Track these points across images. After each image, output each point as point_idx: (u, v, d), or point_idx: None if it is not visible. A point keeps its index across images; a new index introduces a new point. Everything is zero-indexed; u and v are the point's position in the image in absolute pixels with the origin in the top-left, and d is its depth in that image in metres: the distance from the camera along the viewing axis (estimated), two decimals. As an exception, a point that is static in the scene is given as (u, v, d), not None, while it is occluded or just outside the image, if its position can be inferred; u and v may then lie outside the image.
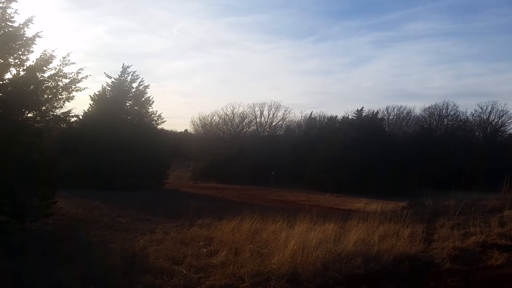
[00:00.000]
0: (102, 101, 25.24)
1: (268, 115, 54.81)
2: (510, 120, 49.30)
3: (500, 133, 50.41)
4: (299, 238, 7.62)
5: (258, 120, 55.28)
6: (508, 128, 49.97)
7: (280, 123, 55.53)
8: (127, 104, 26.08)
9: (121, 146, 22.69)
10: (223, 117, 55.42)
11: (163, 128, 37.74)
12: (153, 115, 26.95)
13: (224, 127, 55.60)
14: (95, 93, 25.47)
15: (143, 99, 26.28)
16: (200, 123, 58.54)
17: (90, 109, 25.49)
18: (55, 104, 10.07)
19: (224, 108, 55.89)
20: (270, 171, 39.70)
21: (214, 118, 56.60)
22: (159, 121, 27.45)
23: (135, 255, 7.27)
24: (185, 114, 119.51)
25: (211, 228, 9.55)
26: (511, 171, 15.24)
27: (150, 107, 26.70)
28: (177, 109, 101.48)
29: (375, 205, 18.11)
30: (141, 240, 8.53)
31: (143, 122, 26.34)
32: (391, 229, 8.93)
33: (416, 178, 34.99)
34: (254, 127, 55.71)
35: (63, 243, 7.84)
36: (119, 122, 24.84)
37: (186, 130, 69.43)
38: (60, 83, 10.02)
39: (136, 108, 26.30)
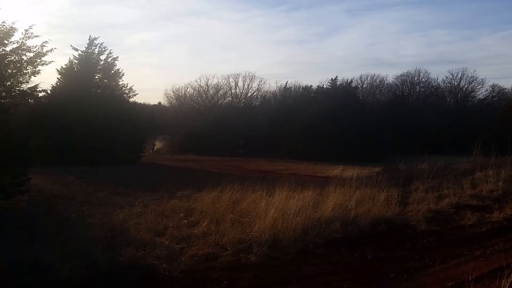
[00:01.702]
0: (70, 75, 24.38)
1: (243, 86, 54.34)
2: (480, 86, 50.66)
3: (470, 99, 51.72)
4: (279, 206, 7.72)
5: (233, 91, 54.78)
6: (478, 93, 51.44)
7: (255, 94, 55.23)
8: (96, 77, 25.27)
9: (93, 120, 22.11)
10: (197, 89, 54.67)
11: (136, 101, 37.03)
12: (124, 88, 26.26)
13: (199, 99, 54.86)
14: (62, 67, 24.62)
15: (113, 71, 25.49)
16: (173, 96, 57.64)
17: (58, 83, 24.64)
18: (21, 79, 9.68)
19: (198, 80, 55.01)
20: (241, 140, 39.67)
21: (188, 90, 55.76)
22: (131, 94, 26.81)
23: (115, 229, 7.23)
24: (157, 87, 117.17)
25: (191, 199, 9.51)
26: (482, 135, 15.78)
27: (120, 80, 26.00)
28: (149, 81, 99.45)
29: (351, 172, 18.44)
30: (121, 214, 8.45)
31: (114, 95, 25.71)
32: (367, 194, 9.16)
33: (390, 144, 35.73)
34: (230, 99, 55.23)
35: (41, 220, 7.68)
36: (89, 96, 24.18)
37: (159, 103, 68.16)
38: (24, 57, 9.60)
39: (106, 81, 25.54)
